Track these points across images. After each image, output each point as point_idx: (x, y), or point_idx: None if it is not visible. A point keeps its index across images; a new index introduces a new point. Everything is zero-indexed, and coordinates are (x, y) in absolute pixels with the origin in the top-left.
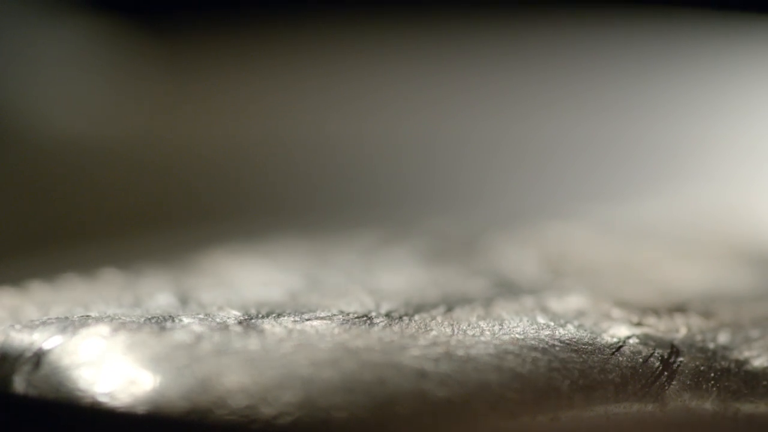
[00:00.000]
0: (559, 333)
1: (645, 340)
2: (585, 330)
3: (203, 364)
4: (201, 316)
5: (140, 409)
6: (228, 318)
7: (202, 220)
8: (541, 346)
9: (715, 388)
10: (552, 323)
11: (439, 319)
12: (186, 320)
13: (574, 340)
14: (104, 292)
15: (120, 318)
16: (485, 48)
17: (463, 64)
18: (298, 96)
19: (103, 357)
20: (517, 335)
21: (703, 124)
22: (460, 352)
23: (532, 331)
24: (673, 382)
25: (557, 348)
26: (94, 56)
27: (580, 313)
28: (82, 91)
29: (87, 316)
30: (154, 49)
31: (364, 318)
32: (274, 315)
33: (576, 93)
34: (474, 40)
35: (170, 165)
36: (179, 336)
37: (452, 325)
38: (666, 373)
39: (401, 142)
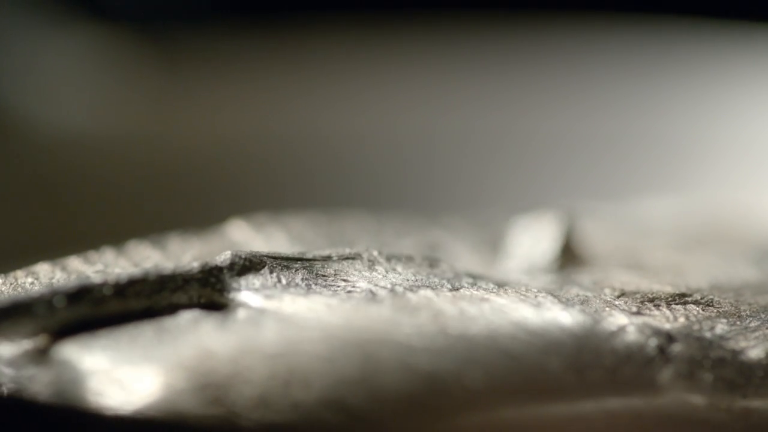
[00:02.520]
0: (559, 318)
1: (642, 328)
2: (585, 316)
3: (196, 337)
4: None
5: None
6: (236, 290)
7: (202, 218)
8: (538, 329)
9: (710, 377)
10: (553, 308)
11: (441, 297)
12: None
13: (572, 325)
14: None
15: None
16: (489, 49)
17: (467, 65)
18: (296, 95)
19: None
20: (516, 317)
21: (703, 124)
22: (455, 330)
23: (532, 315)
24: (667, 369)
25: (554, 331)
26: (95, 59)
27: (581, 300)
28: (83, 93)
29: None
30: (152, 52)
31: (367, 293)
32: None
33: (581, 94)
34: (478, 39)
35: (168, 163)
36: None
37: (454, 304)
38: (660, 360)
39: (405, 141)
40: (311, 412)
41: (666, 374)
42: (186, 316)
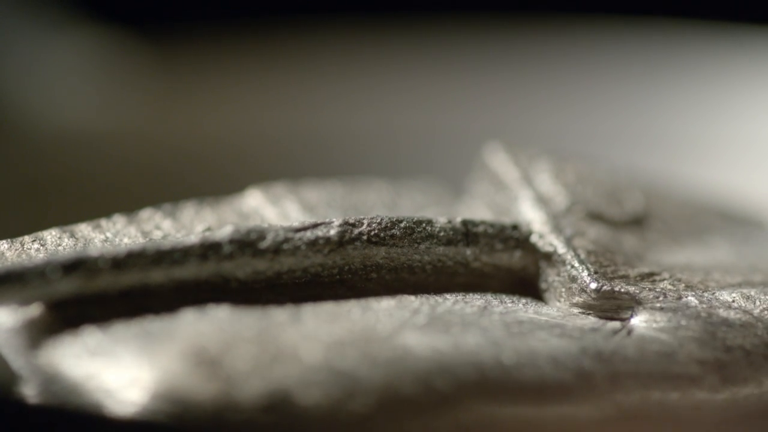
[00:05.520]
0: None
1: (607, 295)
2: (551, 293)
3: (182, 325)
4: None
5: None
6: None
7: None
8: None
9: (678, 335)
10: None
11: (425, 293)
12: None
13: (539, 304)
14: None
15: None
16: (487, 49)
17: (465, 65)
18: (295, 95)
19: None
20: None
21: (702, 125)
22: (443, 319)
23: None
24: (632, 337)
25: (518, 307)
26: (95, 59)
27: (556, 262)
28: (83, 92)
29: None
30: (152, 52)
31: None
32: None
33: (580, 93)
34: (477, 39)
35: (168, 163)
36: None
37: (433, 297)
38: (626, 330)
39: (404, 140)
40: (306, 377)
41: (631, 341)
42: (170, 309)
